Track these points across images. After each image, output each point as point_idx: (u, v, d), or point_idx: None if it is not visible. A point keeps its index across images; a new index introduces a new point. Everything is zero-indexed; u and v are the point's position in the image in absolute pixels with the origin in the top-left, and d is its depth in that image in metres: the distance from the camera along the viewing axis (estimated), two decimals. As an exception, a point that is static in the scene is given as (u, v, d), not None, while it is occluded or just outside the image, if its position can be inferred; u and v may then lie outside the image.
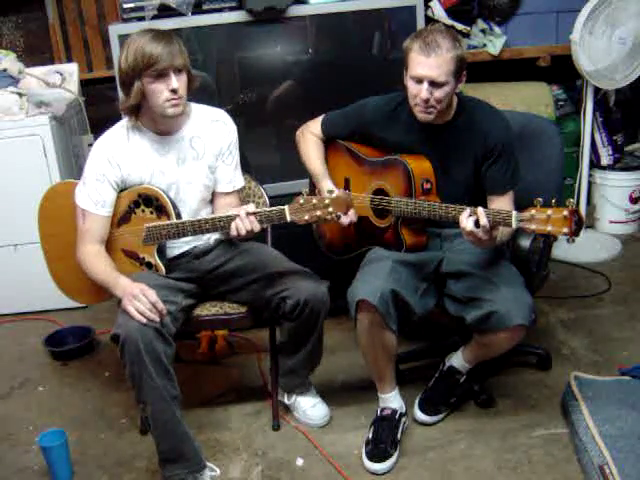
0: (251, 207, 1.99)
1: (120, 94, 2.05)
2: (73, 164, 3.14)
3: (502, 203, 2.03)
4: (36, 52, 3.49)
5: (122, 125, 2.08)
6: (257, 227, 1.96)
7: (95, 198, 2.04)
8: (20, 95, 2.99)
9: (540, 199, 1.74)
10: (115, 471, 2.15)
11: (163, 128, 2.06)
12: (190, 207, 2.14)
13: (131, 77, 1.94)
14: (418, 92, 1.97)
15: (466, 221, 1.86)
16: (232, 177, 2.19)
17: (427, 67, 1.93)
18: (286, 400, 2.34)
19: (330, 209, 1.88)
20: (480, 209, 1.85)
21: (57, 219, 2.19)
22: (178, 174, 2.10)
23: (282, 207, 1.93)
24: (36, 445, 2.14)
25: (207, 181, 2.15)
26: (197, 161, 2.11)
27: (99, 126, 3.22)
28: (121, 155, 2.05)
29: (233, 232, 1.97)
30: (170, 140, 2.08)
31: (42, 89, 3.06)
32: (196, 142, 2.10)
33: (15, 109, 2.96)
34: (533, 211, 1.74)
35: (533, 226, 1.75)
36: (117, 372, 2.64)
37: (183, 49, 1.97)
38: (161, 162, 2.08)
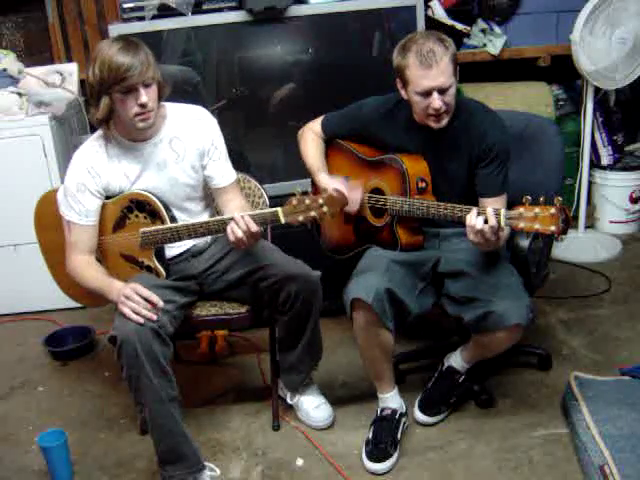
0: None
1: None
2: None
3: (494, 206, 2.01)
4: (36, 52, 3.49)
5: (99, 135, 2.06)
6: (254, 227, 1.90)
7: (78, 208, 2.03)
8: (20, 95, 2.99)
9: (529, 197, 1.74)
10: (115, 471, 2.15)
11: (138, 136, 2.03)
12: (176, 206, 2.11)
13: (98, 91, 1.90)
14: (430, 104, 1.95)
15: (475, 220, 1.84)
16: (224, 171, 2.15)
17: (433, 78, 1.92)
18: (289, 400, 2.34)
19: (324, 209, 1.85)
20: (489, 210, 1.83)
21: (52, 225, 2.18)
22: (159, 179, 2.07)
23: (275, 209, 1.90)
24: (36, 445, 2.14)
25: (190, 180, 2.11)
26: (178, 163, 2.08)
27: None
28: (99, 164, 2.03)
29: (230, 236, 1.93)
30: (148, 145, 2.04)
31: (42, 89, 3.06)
32: (176, 143, 2.07)
33: (15, 109, 2.96)
34: (521, 209, 1.74)
35: (521, 224, 1.74)
36: (117, 372, 2.62)
37: (152, 60, 1.92)
38: (140, 169, 2.05)
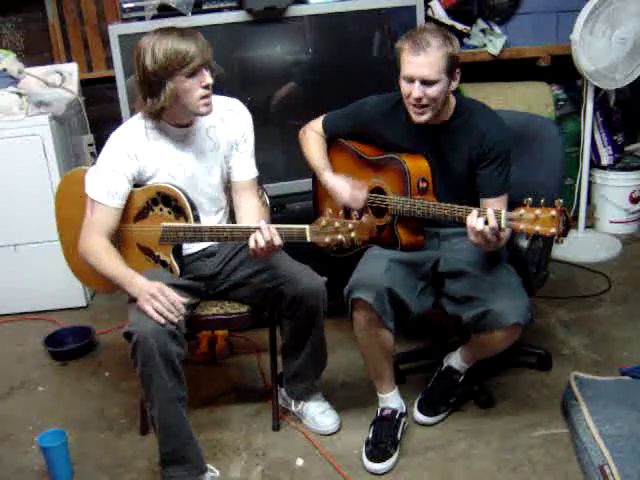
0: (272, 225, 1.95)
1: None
2: (73, 164, 3.14)
3: (495, 207, 2.01)
4: (36, 52, 3.49)
5: (139, 118, 2.05)
6: (278, 240, 1.89)
7: (107, 189, 2.00)
8: (20, 95, 2.99)
9: (530, 198, 1.74)
10: (115, 471, 2.15)
11: (183, 122, 2.03)
12: (207, 196, 2.12)
13: (161, 77, 1.88)
14: (410, 91, 1.97)
15: (476, 221, 1.85)
16: (247, 166, 2.16)
17: (417, 66, 1.93)
18: (293, 408, 2.32)
19: (353, 234, 1.82)
20: (490, 211, 1.83)
21: (73, 204, 2.16)
22: (197, 167, 2.08)
23: (303, 226, 1.87)
24: (36, 445, 2.14)
25: (222, 169, 2.14)
26: (214, 152, 2.10)
27: (99, 126, 3.25)
28: (139, 148, 2.01)
29: (251, 243, 1.91)
30: (187, 132, 2.05)
31: (42, 89, 3.06)
32: (212, 132, 2.09)
33: (15, 109, 2.96)
34: (522, 210, 1.74)
35: (522, 225, 1.74)
36: (117, 372, 2.65)
37: (207, 43, 1.95)
38: (180, 156, 2.06)
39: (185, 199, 2.02)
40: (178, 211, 2.03)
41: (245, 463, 2.14)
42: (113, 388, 2.57)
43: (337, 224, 1.83)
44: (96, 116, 3.27)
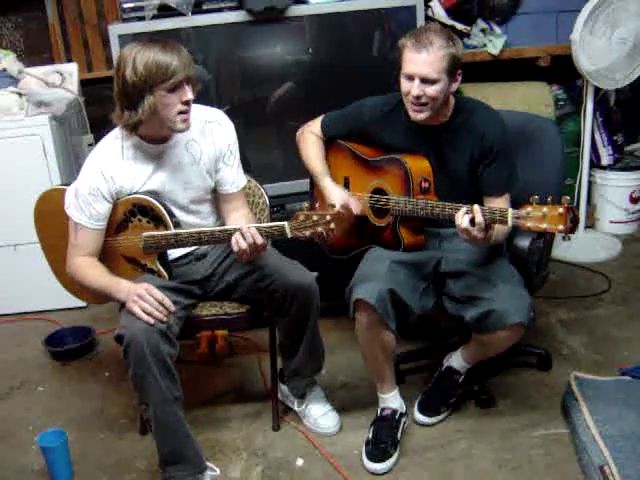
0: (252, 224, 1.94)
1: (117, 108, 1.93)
2: (73, 164, 3.14)
3: (498, 205, 2.01)
4: (36, 52, 3.49)
5: (116, 136, 2.01)
6: (259, 239, 1.89)
7: (89, 212, 1.98)
8: (20, 95, 3.00)
9: (536, 196, 1.74)
10: (115, 471, 2.15)
11: (160, 137, 1.99)
12: (187, 209, 2.10)
13: (141, 90, 1.84)
14: (409, 89, 1.97)
15: (462, 218, 1.86)
16: (235, 177, 2.15)
17: (418, 64, 1.93)
18: (296, 407, 2.33)
19: (332, 225, 1.83)
20: (476, 207, 1.84)
21: (52, 224, 2.16)
22: (173, 181, 2.04)
23: (282, 223, 1.88)
24: (36, 445, 2.14)
25: (204, 184, 2.10)
26: (194, 166, 2.06)
27: (99, 126, 3.25)
28: (114, 168, 1.98)
29: (234, 246, 1.92)
30: (165, 147, 2.01)
31: (42, 89, 3.06)
32: (192, 146, 2.05)
33: (15, 109, 2.96)
34: (529, 208, 1.74)
35: (529, 224, 1.74)
36: (117, 372, 2.64)
37: (190, 57, 1.91)
38: (155, 170, 2.02)
39: (162, 207, 2.00)
40: (157, 220, 2.01)
41: (245, 463, 2.15)
42: (113, 388, 2.57)
43: (315, 217, 1.84)
44: (96, 116, 3.26)
